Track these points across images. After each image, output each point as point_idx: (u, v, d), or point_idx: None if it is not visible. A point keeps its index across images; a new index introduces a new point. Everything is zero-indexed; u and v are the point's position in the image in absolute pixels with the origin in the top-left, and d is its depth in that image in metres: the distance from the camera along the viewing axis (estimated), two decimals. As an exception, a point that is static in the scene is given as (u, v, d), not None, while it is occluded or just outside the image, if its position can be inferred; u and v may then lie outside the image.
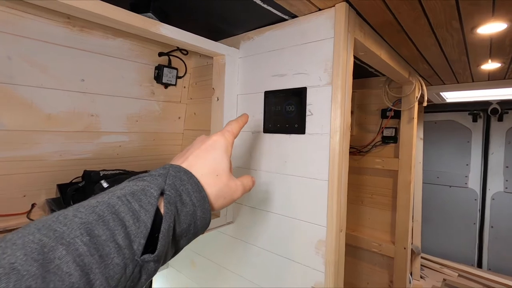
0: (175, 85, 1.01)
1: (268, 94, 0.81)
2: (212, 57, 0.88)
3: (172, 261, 1.20)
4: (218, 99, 0.87)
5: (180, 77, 1.03)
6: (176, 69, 0.99)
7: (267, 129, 0.81)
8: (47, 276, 0.20)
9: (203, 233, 0.34)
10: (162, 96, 1.01)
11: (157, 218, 0.28)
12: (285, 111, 0.76)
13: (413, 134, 1.38)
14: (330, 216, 0.68)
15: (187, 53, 1.00)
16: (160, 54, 0.96)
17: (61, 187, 0.75)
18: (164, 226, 0.28)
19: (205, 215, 0.33)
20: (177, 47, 0.97)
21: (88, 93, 0.82)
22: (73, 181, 0.79)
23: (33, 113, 0.73)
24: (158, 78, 0.96)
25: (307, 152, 0.72)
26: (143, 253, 0.27)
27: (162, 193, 0.30)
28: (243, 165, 0.88)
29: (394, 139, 1.47)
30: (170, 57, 0.98)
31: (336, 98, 0.67)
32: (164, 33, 0.67)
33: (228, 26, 0.85)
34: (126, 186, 0.29)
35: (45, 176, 0.78)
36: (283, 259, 0.77)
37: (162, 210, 0.29)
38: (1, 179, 0.71)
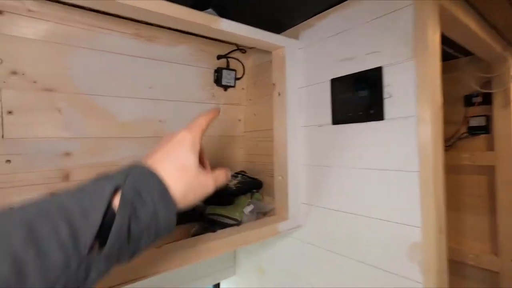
0: (234, 86, 1.00)
1: (335, 82, 0.73)
2: (271, 52, 0.85)
3: (239, 268, 1.17)
4: (279, 94, 0.83)
5: (239, 79, 1.02)
6: (235, 70, 0.99)
7: (337, 120, 0.73)
8: None
9: (169, 233, 0.32)
10: (222, 98, 1.01)
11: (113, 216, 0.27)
12: (357, 98, 0.68)
13: (511, 120, 1.14)
14: (425, 214, 0.57)
15: (245, 51, 0.99)
16: (219, 57, 0.96)
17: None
18: (116, 225, 0.27)
19: (169, 215, 0.31)
20: (236, 46, 0.96)
21: (156, 100, 0.85)
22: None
23: (108, 121, 0.78)
24: (217, 81, 0.96)
25: (388, 140, 0.62)
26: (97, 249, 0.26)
27: (117, 189, 0.29)
28: (312, 162, 0.81)
29: (486, 129, 1.24)
30: (228, 59, 0.98)
31: (423, 73, 0.57)
32: (224, 28, 0.66)
33: (286, 16, 0.81)
34: (81, 185, 0.29)
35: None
36: (366, 266, 0.67)
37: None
38: (86, 183, 0.76)
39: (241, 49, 0.98)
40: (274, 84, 0.85)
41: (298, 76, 0.83)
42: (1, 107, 0.64)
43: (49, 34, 0.69)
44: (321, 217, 0.79)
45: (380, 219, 0.64)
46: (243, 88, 1.06)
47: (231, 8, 0.74)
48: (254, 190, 0.95)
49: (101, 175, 0.30)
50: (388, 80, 0.62)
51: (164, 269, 0.57)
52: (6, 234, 0.23)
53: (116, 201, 0.28)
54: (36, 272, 0.22)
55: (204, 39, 0.92)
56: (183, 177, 0.33)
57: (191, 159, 0.34)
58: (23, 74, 0.66)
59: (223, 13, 0.70)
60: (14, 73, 0.65)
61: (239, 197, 0.88)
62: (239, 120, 1.08)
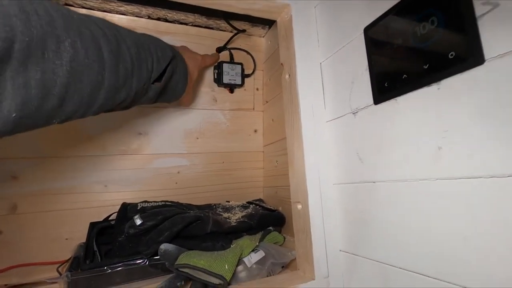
0: (241, 85, 0.75)
1: (371, 29, 0.42)
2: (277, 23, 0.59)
3: None
4: (289, 76, 0.54)
5: (248, 75, 0.77)
6: (241, 64, 0.75)
7: (384, 94, 0.40)
8: (118, 49, 0.36)
9: (179, 96, 0.58)
10: (227, 103, 0.77)
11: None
12: (416, 40, 0.34)
13: None
14: None
15: (244, 31, 0.74)
16: (219, 50, 0.74)
17: (92, 225, 0.56)
18: (168, 72, 0.48)
19: (184, 81, 0.56)
20: (231, 27, 0.72)
21: (138, 107, 0.66)
22: (110, 216, 0.59)
23: (78, 137, 0.62)
24: (218, 79, 0.74)
25: (495, 106, 0.27)
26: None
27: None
28: (349, 177, 0.47)
29: None
30: (232, 50, 0.75)
31: None
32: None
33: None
34: (154, 38, 0.49)
35: (90, 213, 0.62)
36: None
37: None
38: (37, 216, 0.59)
39: (241, 30, 0.73)
40: (282, 64, 0.57)
41: (315, 48, 0.54)
42: None
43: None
44: (374, 277, 0.42)
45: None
46: (257, 89, 0.80)
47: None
48: (271, 228, 0.63)
49: (165, 43, 0.51)
50: (482, -21, 0.28)
51: None
52: (127, 45, 0.38)
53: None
54: (136, 73, 0.40)
55: (199, 29, 0.73)
56: (195, 63, 0.60)
57: (196, 65, 0.61)
58: None
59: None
60: None
61: (241, 238, 0.58)
62: (255, 131, 0.80)
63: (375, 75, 0.41)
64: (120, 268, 0.50)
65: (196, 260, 0.48)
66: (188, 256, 0.50)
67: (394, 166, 0.38)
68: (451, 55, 0.30)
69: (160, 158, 0.69)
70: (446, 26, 0.31)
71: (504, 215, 0.26)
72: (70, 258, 0.56)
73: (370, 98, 0.42)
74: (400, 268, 0.37)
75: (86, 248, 0.52)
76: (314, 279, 0.46)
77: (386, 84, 0.39)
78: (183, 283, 0.49)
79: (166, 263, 0.50)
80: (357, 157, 0.45)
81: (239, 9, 0.54)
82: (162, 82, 0.46)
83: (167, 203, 0.60)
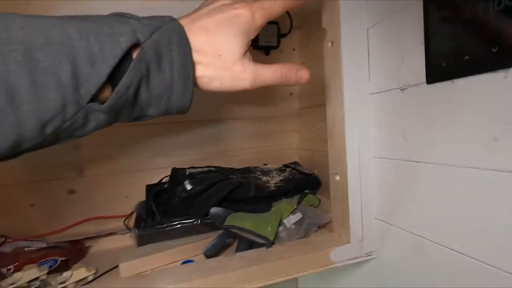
0: (277, 46, 0.72)
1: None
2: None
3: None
4: (332, 44, 0.52)
5: (284, 35, 0.73)
6: (277, 23, 0.71)
7: (439, 74, 0.37)
8: None
9: (181, 112, 0.29)
10: (263, 66, 0.75)
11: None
12: (489, 16, 0.31)
13: None
14: None
15: None
16: (254, 8, 0.70)
17: (148, 188, 0.64)
18: (123, 82, 0.24)
19: (184, 95, 0.28)
20: None
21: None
22: (162, 180, 0.67)
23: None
24: (253, 42, 0.71)
25: None
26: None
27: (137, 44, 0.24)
28: (390, 153, 0.48)
29: None
30: (267, 9, 0.70)
31: None
32: None
33: None
34: (98, 22, 0.24)
35: (143, 176, 0.69)
36: None
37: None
38: (100, 178, 0.67)
39: None
40: (324, 29, 0.54)
41: (363, 11, 0.50)
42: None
43: None
44: (407, 246, 0.45)
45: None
46: (294, 49, 0.77)
47: None
48: (307, 191, 0.67)
49: (126, 15, 0.26)
50: None
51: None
52: (2, 51, 0.19)
53: (135, 54, 0.24)
54: (30, 104, 0.21)
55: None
56: (215, 62, 0.29)
57: (235, 46, 0.29)
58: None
59: None
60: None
61: (280, 201, 0.63)
62: (291, 93, 0.80)
63: (431, 52, 0.38)
64: (176, 226, 0.58)
65: (242, 222, 0.55)
66: (235, 218, 0.56)
67: (442, 150, 0.38)
68: (528, 40, 0.27)
69: (203, 124, 0.72)
70: (528, 6, 0.27)
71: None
72: (133, 212, 0.66)
73: (422, 76, 0.39)
74: (434, 242, 0.40)
75: (147, 208, 0.60)
76: (349, 243, 0.51)
77: (443, 63, 0.36)
78: (231, 240, 0.57)
79: (216, 224, 0.57)
80: (401, 135, 0.45)
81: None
82: (114, 95, 0.24)
83: (211, 168, 0.65)
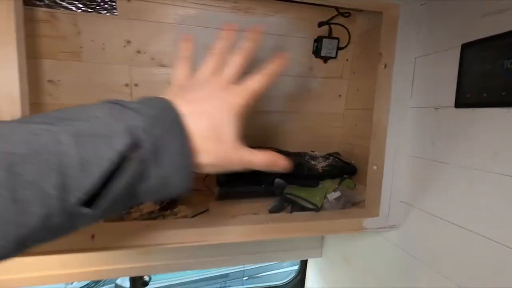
0: (335, 57, 0.88)
1: (468, 48, 0.52)
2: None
3: (326, 252, 1.12)
4: (385, 66, 0.67)
5: (342, 48, 0.89)
6: (337, 38, 0.87)
7: (463, 102, 0.53)
8: None
9: (178, 195, 0.28)
10: (321, 71, 0.92)
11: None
12: (502, 70, 0.46)
13: None
14: None
15: (349, 15, 0.85)
16: (320, 24, 0.86)
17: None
18: (116, 185, 0.23)
19: (182, 184, 0.27)
20: (337, 10, 0.83)
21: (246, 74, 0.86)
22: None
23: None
24: (316, 51, 0.87)
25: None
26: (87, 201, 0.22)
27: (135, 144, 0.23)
28: (419, 153, 0.64)
29: None
30: (331, 26, 0.86)
31: None
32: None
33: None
34: (92, 119, 0.23)
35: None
36: (477, 301, 0.50)
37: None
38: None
39: (344, 13, 0.83)
40: (380, 54, 0.69)
41: (414, 43, 0.65)
42: (130, 80, 0.80)
43: (165, 16, 0.78)
44: (423, 222, 0.63)
45: (507, 247, 0.45)
46: (347, 60, 0.92)
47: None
48: (346, 176, 0.85)
49: (124, 108, 0.25)
50: None
51: (231, 239, 0.60)
52: None
53: (132, 152, 0.23)
54: (8, 222, 0.20)
55: (303, 5, 0.84)
56: (215, 148, 0.29)
57: (231, 129, 0.30)
58: (144, 53, 0.79)
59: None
60: (138, 52, 0.78)
61: (325, 181, 0.81)
62: (340, 95, 0.96)
63: (462, 85, 0.53)
64: (246, 189, 0.78)
65: (298, 191, 0.74)
66: (292, 188, 0.75)
67: (458, 155, 0.54)
68: (524, 91, 0.43)
69: (267, 113, 0.91)
70: (527, 70, 0.43)
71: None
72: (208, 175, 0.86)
73: (452, 101, 0.55)
74: (445, 220, 0.57)
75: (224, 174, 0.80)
76: (378, 216, 0.69)
77: (468, 95, 0.52)
78: (287, 204, 0.76)
79: (277, 191, 0.77)
80: (430, 141, 0.61)
81: (356, 4, 0.65)
82: (106, 198, 0.23)
83: (273, 149, 0.84)
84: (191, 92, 0.31)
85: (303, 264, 1.26)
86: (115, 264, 0.90)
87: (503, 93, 0.46)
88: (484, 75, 0.49)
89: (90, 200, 0.22)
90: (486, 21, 0.50)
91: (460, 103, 0.54)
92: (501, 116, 0.47)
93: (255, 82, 0.32)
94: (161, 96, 0.28)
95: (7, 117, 0.49)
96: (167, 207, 0.73)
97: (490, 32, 0.49)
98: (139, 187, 0.25)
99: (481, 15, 0.50)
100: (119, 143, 0.22)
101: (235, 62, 0.33)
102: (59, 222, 0.22)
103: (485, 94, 0.49)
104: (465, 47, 0.53)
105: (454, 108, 0.55)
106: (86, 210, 0.22)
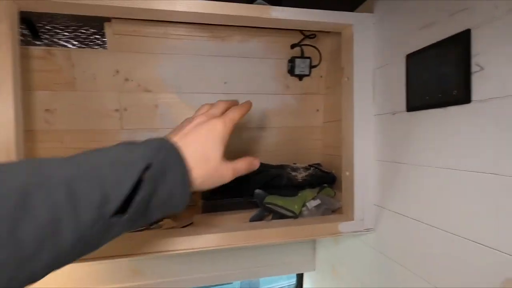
0: (309, 75, 0.95)
1: (410, 58, 0.58)
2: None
3: (318, 264, 1.12)
4: (348, 79, 0.73)
5: (315, 66, 0.96)
6: (309, 58, 0.94)
7: (412, 106, 0.58)
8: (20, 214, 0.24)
9: (179, 210, 0.35)
10: (297, 88, 0.98)
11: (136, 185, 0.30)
12: (437, 75, 0.52)
13: None
14: (529, 241, 0.38)
15: (314, 36, 0.92)
16: (293, 46, 0.94)
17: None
18: (140, 198, 0.30)
19: (183, 197, 0.34)
20: (302, 34, 0.91)
21: (230, 94, 0.93)
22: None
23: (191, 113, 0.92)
24: (291, 70, 0.95)
25: (475, 132, 0.45)
26: (114, 214, 0.29)
27: (148, 166, 0.31)
28: (384, 157, 0.68)
29: None
30: (303, 47, 0.94)
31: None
32: (276, 16, 0.64)
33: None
34: (118, 151, 0.32)
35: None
36: (442, 294, 0.52)
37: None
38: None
39: (309, 35, 0.91)
40: (343, 68, 0.76)
41: (370, 56, 0.71)
42: (120, 106, 0.87)
43: (150, 47, 0.87)
44: (394, 223, 0.65)
45: (465, 239, 0.48)
46: (321, 76, 0.99)
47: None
48: (325, 185, 0.88)
49: (135, 144, 0.33)
50: (479, 47, 0.45)
51: (213, 244, 0.63)
52: (49, 189, 0.26)
53: (144, 173, 0.31)
54: (70, 226, 0.26)
55: (275, 30, 0.92)
56: (206, 166, 0.37)
57: (218, 152, 0.38)
58: (132, 80, 0.87)
59: (276, 1, 0.68)
60: (126, 80, 0.87)
61: (305, 190, 0.85)
62: (317, 110, 1.02)
63: (409, 91, 0.59)
64: (229, 202, 0.82)
65: (277, 201, 0.77)
66: (271, 198, 0.79)
67: (411, 154, 0.58)
68: (454, 92, 0.48)
69: (248, 129, 0.97)
70: (454, 74, 0.48)
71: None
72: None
73: (404, 106, 0.60)
74: (412, 219, 0.60)
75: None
76: (353, 220, 0.72)
77: (415, 99, 0.57)
78: (268, 213, 0.79)
79: (257, 201, 0.81)
80: (391, 144, 0.65)
81: (316, 27, 0.73)
82: (133, 208, 0.30)
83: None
84: (182, 129, 0.39)
85: (299, 279, 1.26)
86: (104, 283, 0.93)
87: (439, 95, 0.51)
88: (424, 81, 0.55)
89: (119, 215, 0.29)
90: (423, 33, 0.56)
91: (410, 107, 0.59)
92: (438, 115, 0.51)
93: (234, 112, 0.43)
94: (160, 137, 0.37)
95: (2, 142, 0.55)
96: (154, 221, 0.77)
97: (426, 42, 0.55)
98: (151, 202, 0.32)
99: (419, 27, 0.57)
100: (139, 166, 0.31)
101: (220, 105, 0.44)
102: (99, 229, 0.28)
103: (427, 97, 0.54)
104: (409, 57, 0.59)
105: (406, 112, 0.60)
106: (116, 220, 0.29)
